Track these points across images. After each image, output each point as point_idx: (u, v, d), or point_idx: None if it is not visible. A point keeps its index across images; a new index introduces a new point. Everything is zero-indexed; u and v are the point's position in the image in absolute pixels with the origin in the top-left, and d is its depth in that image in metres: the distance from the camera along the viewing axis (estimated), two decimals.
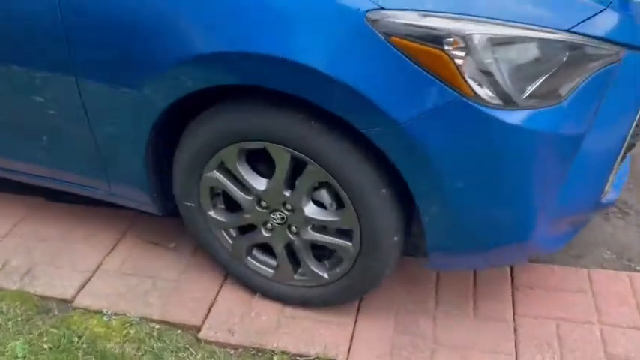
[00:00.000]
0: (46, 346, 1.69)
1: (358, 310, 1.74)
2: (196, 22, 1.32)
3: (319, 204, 1.53)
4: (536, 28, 1.25)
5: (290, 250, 1.65)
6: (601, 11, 1.32)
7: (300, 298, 1.72)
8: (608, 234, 1.97)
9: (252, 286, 1.79)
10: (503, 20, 1.23)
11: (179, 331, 1.73)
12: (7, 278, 1.91)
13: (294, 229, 1.59)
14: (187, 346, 1.68)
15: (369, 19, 1.21)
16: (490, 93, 1.24)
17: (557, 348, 1.59)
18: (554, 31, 1.26)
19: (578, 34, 1.28)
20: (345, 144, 1.37)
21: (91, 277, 1.91)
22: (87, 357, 1.65)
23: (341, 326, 1.69)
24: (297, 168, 1.48)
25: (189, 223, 1.74)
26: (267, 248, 1.71)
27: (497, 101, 1.24)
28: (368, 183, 1.40)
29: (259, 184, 1.54)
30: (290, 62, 1.26)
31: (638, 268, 1.84)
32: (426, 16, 1.22)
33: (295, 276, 1.70)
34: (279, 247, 1.65)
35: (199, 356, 1.65)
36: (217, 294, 1.82)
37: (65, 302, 1.83)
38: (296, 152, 1.42)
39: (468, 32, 1.20)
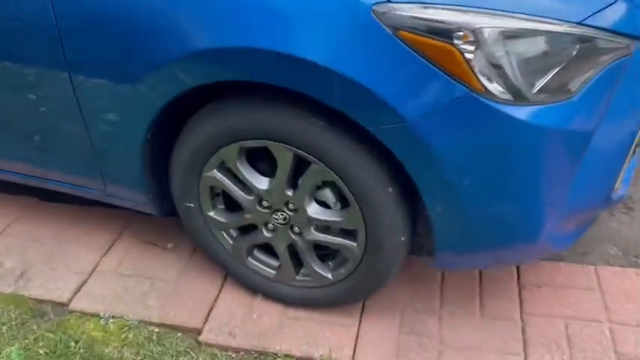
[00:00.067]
0: (41, 352, 1.64)
1: (362, 310, 1.70)
2: (195, 16, 1.27)
3: (322, 203, 1.49)
4: (547, 20, 1.21)
5: (292, 250, 1.61)
6: (612, 3, 1.29)
7: (303, 299, 1.68)
8: (613, 229, 1.93)
9: (254, 287, 1.74)
10: (513, 12, 1.19)
11: (179, 335, 1.68)
12: (1, 281, 1.85)
13: (296, 229, 1.55)
14: (188, 349, 1.63)
15: (375, 12, 1.17)
16: (500, 88, 1.20)
17: (566, 348, 1.56)
18: (565, 23, 1.22)
19: (590, 26, 1.24)
20: (350, 142, 1.33)
21: (87, 279, 1.86)
22: None
23: (345, 327, 1.65)
24: (299, 166, 1.44)
25: (189, 223, 1.70)
26: (268, 248, 1.67)
27: (507, 96, 1.20)
28: (374, 182, 1.36)
29: (261, 183, 1.50)
30: (293, 58, 1.22)
31: None
32: (434, 8, 1.17)
33: (298, 277, 1.65)
34: (281, 248, 1.61)
35: None
36: (217, 295, 1.78)
37: (61, 305, 1.78)
38: (299, 151, 1.38)
39: (478, 25, 1.16)
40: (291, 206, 1.51)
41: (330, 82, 1.23)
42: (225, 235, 1.67)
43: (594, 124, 1.31)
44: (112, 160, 1.62)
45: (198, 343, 1.65)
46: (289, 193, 1.48)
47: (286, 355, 1.59)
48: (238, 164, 1.48)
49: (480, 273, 1.79)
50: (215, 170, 1.52)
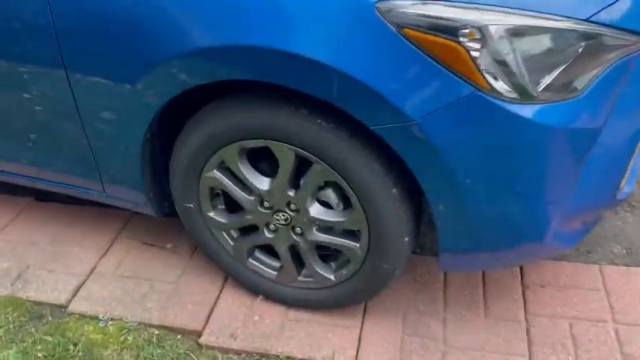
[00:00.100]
0: (40, 355, 1.62)
1: (364, 311, 1.68)
2: (195, 13, 1.24)
3: (324, 204, 1.47)
4: (554, 17, 1.18)
5: (294, 251, 1.59)
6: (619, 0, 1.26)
7: (305, 300, 1.66)
8: (617, 228, 1.92)
9: (254, 288, 1.72)
10: (519, 9, 1.17)
11: (179, 337, 1.66)
12: None
13: (298, 229, 1.52)
14: (188, 352, 1.61)
15: (379, 9, 1.15)
16: (506, 86, 1.17)
17: (571, 349, 1.54)
18: (572, 20, 1.19)
19: (597, 23, 1.21)
20: (354, 142, 1.31)
21: (85, 281, 1.83)
22: None
23: (348, 329, 1.63)
24: (300, 166, 1.42)
25: (188, 224, 1.67)
26: (269, 249, 1.65)
27: (513, 95, 1.18)
28: (378, 183, 1.33)
29: (262, 183, 1.48)
30: (295, 56, 1.19)
31: None
32: (439, 5, 1.15)
33: (299, 278, 1.63)
34: (282, 249, 1.58)
35: None
36: (218, 297, 1.75)
37: (59, 308, 1.76)
38: (301, 150, 1.36)
39: (484, 23, 1.14)
40: (292, 207, 1.48)
41: (333, 81, 1.21)
42: (225, 235, 1.65)
43: (601, 122, 1.29)
44: (111, 160, 1.59)
45: (199, 345, 1.63)
46: (291, 193, 1.45)
47: (288, 358, 1.57)
48: (239, 164, 1.46)
49: (483, 273, 1.77)
50: (215, 170, 1.50)
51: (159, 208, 1.69)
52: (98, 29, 1.33)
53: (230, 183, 1.51)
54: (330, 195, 1.45)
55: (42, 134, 1.64)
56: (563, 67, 1.20)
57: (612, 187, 1.46)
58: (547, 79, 1.20)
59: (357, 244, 1.47)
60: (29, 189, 1.98)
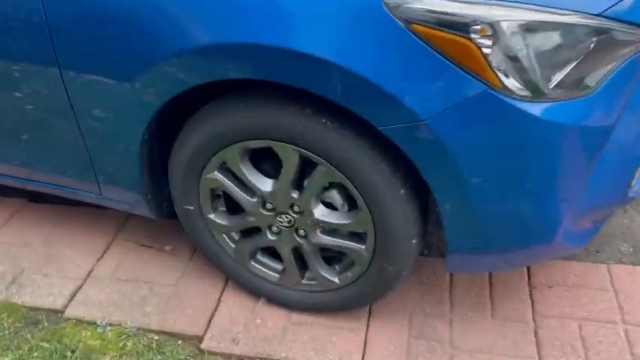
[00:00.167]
0: None
1: (370, 314, 1.64)
2: (196, 10, 1.20)
3: (329, 205, 1.43)
4: (566, 12, 1.15)
5: (297, 253, 1.55)
6: None
7: (309, 303, 1.62)
8: (624, 226, 1.89)
9: (256, 291, 1.68)
10: (531, 4, 1.13)
11: (180, 342, 1.62)
12: None
13: (302, 232, 1.48)
14: (189, 358, 1.57)
15: (387, 5, 1.10)
16: (518, 84, 1.14)
17: (581, 350, 1.51)
18: (585, 15, 1.16)
19: (610, 18, 1.18)
20: (360, 142, 1.27)
21: (82, 285, 1.79)
22: None
23: (353, 332, 1.60)
24: (304, 167, 1.38)
25: (188, 226, 1.63)
26: (271, 251, 1.61)
27: (525, 93, 1.15)
28: (385, 183, 1.30)
29: (265, 185, 1.43)
30: (299, 54, 1.15)
31: None
32: (449, 1, 1.11)
33: (303, 280, 1.59)
34: (285, 251, 1.54)
35: None
36: (219, 300, 1.71)
37: (55, 313, 1.72)
38: (305, 151, 1.31)
39: (495, 18, 1.10)
40: (296, 209, 1.44)
41: (338, 80, 1.16)
42: (226, 238, 1.60)
43: (614, 119, 1.26)
44: (108, 161, 1.55)
45: (200, 350, 1.59)
46: (294, 195, 1.41)
47: None
48: (241, 165, 1.41)
49: (490, 274, 1.74)
50: (216, 172, 1.45)
51: (157, 209, 1.64)
52: (94, 26, 1.28)
53: (231, 184, 1.47)
54: (335, 196, 1.41)
55: (34, 134, 1.59)
56: (575, 63, 1.17)
57: (624, 185, 1.43)
58: (559, 76, 1.16)
59: (363, 246, 1.44)
60: (22, 190, 1.93)
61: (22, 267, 1.86)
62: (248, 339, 1.60)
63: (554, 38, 1.16)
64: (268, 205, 1.47)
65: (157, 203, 1.63)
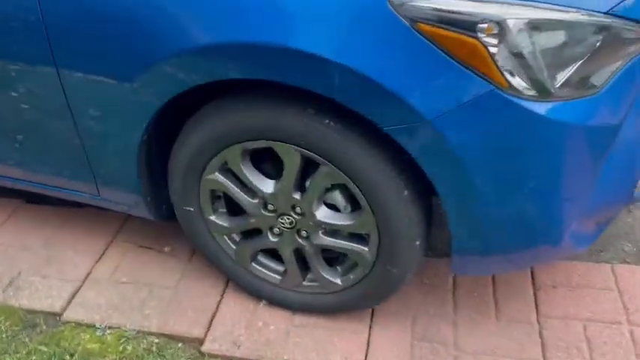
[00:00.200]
0: None
1: (372, 315, 1.62)
2: (196, 9, 1.17)
3: (331, 206, 1.41)
4: (573, 10, 1.13)
5: (299, 254, 1.53)
6: None
7: (311, 305, 1.60)
8: (628, 225, 1.87)
9: (257, 293, 1.66)
10: (537, 2, 1.11)
11: (180, 345, 1.60)
12: None
13: (304, 233, 1.46)
14: None
15: (392, 3, 1.08)
16: (524, 83, 1.12)
17: (586, 351, 1.49)
18: (592, 13, 1.14)
19: (617, 16, 1.16)
20: (363, 142, 1.25)
21: (80, 287, 1.76)
22: None
23: (355, 334, 1.58)
24: (306, 168, 1.36)
25: (188, 227, 1.61)
26: (272, 253, 1.59)
27: (531, 92, 1.13)
28: (389, 185, 1.27)
29: (266, 186, 1.41)
30: (302, 53, 1.13)
31: None
32: None
33: (304, 282, 1.57)
34: (287, 253, 1.52)
35: None
36: (220, 302, 1.69)
37: (54, 316, 1.69)
38: (308, 152, 1.29)
39: (502, 16, 1.08)
40: (298, 210, 1.42)
41: (341, 79, 1.14)
42: (227, 239, 1.58)
43: (620, 118, 1.24)
44: (106, 162, 1.52)
45: (201, 353, 1.57)
46: (296, 196, 1.39)
47: None
48: (242, 166, 1.39)
49: (493, 274, 1.72)
50: (217, 173, 1.43)
51: (157, 211, 1.62)
52: (93, 26, 1.25)
53: (232, 185, 1.44)
54: (338, 197, 1.39)
55: (30, 134, 1.57)
56: (581, 61, 1.15)
57: (630, 185, 1.42)
58: (565, 75, 1.14)
59: (366, 248, 1.42)
60: (19, 191, 1.91)
61: (20, 269, 1.83)
62: (250, 342, 1.58)
63: (561, 36, 1.14)
64: (270, 207, 1.45)
65: (157, 205, 1.61)
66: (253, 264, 1.60)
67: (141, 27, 1.21)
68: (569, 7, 1.12)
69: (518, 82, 1.11)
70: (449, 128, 1.15)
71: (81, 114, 1.43)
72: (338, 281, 1.52)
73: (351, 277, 1.49)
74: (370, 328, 1.59)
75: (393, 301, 1.63)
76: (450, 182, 1.22)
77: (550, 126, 1.15)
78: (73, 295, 1.74)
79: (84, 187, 1.64)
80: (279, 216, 1.45)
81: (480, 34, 1.08)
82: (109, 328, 1.64)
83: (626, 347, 1.50)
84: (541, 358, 1.49)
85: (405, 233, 1.34)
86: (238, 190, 1.45)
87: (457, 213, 1.27)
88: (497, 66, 1.10)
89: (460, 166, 1.18)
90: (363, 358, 1.52)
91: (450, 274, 1.72)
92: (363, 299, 1.53)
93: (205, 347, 1.57)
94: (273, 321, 1.62)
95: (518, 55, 1.10)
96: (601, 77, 1.18)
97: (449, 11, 1.08)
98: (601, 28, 1.14)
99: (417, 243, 1.37)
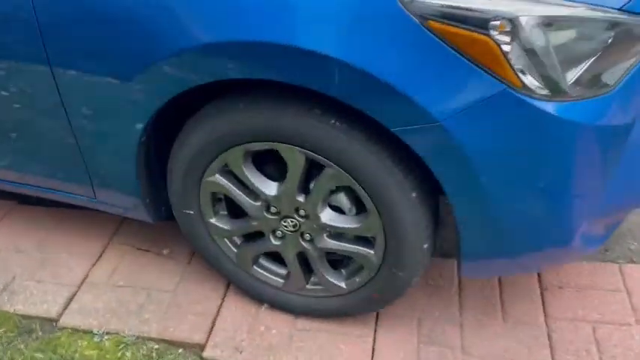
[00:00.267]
0: None
1: (377, 318, 1.59)
2: (196, 8, 1.13)
3: (336, 209, 1.37)
4: (586, 7, 1.09)
5: (302, 257, 1.49)
6: None
7: (314, 309, 1.56)
8: (633, 224, 1.84)
9: (259, 296, 1.62)
10: None
11: (180, 351, 1.56)
12: None
13: (307, 236, 1.43)
14: None
15: (402, 0, 1.04)
16: (537, 82, 1.08)
17: (596, 354, 1.47)
18: (606, 10, 1.10)
19: (630, 12, 1.13)
20: (370, 143, 1.21)
21: (77, 292, 1.72)
22: None
23: (360, 338, 1.54)
24: (310, 169, 1.32)
25: (188, 231, 1.56)
26: (275, 255, 1.55)
27: (544, 92, 1.09)
28: (396, 187, 1.24)
29: (269, 188, 1.37)
30: (307, 52, 1.09)
31: None
32: None
33: (308, 285, 1.54)
34: (290, 256, 1.48)
35: None
36: (220, 306, 1.65)
37: (50, 322, 1.65)
38: (312, 153, 1.25)
39: (515, 13, 1.04)
40: (302, 212, 1.38)
41: (349, 79, 1.10)
42: (228, 242, 1.54)
43: (633, 117, 1.21)
44: (103, 163, 1.48)
45: (202, 359, 1.53)
46: (300, 198, 1.35)
47: None
48: (244, 168, 1.35)
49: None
50: (217, 175, 1.39)
51: (156, 213, 1.58)
52: (92, 26, 1.21)
53: (234, 188, 1.40)
54: (343, 200, 1.35)
55: (23, 134, 1.52)
56: (594, 58, 1.12)
57: None
58: (577, 73, 1.11)
59: (372, 251, 1.38)
60: (11, 192, 1.85)
61: (14, 273, 1.79)
62: (252, 347, 1.54)
63: (574, 33, 1.11)
64: (272, 209, 1.41)
65: (155, 207, 1.57)
66: (255, 267, 1.57)
67: (140, 26, 1.17)
68: (581, 3, 1.09)
69: (530, 80, 1.08)
70: (459, 129, 1.11)
71: (76, 114, 1.38)
72: (343, 285, 1.48)
73: (357, 280, 1.46)
74: (375, 331, 1.56)
75: (397, 304, 1.59)
76: (460, 183, 1.19)
77: (563, 126, 1.12)
78: (70, 300, 1.69)
79: (80, 189, 1.60)
80: (282, 219, 1.42)
81: (492, 32, 1.04)
82: (107, 333, 1.60)
83: (637, 349, 1.47)
84: None
85: (412, 236, 1.31)
86: (240, 193, 1.41)
87: (467, 215, 1.23)
88: (510, 64, 1.06)
89: (470, 166, 1.15)
90: None
91: (455, 275, 1.68)
92: (368, 303, 1.50)
93: (207, 353, 1.53)
94: (276, 325, 1.59)
95: (531, 53, 1.06)
96: (614, 75, 1.15)
97: (460, 8, 1.04)
98: (613, 25, 1.11)
99: (425, 246, 1.33)
